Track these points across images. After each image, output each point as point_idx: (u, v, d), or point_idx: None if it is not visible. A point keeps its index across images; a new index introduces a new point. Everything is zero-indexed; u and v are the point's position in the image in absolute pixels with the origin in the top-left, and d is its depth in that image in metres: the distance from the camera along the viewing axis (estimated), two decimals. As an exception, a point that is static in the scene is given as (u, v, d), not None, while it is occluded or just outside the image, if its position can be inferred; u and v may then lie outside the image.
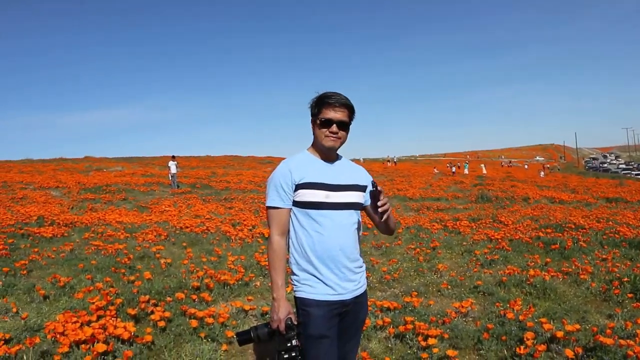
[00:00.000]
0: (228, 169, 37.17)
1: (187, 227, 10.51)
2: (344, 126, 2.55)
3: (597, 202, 20.56)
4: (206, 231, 10.21)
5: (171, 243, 9.07)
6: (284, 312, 2.44)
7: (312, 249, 2.50)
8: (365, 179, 2.71)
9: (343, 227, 2.54)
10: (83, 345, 3.92)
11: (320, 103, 2.55)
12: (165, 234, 9.64)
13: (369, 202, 2.67)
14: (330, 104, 2.52)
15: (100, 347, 3.81)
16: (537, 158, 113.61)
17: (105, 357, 3.82)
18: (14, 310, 5.04)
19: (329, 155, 2.63)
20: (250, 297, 5.57)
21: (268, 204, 2.54)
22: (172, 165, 22.49)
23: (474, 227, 11.91)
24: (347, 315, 2.58)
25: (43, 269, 6.84)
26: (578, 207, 17.89)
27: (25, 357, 3.80)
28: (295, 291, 2.55)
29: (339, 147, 2.60)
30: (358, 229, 2.66)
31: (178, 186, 22.34)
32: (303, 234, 2.52)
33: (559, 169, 71.66)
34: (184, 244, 8.87)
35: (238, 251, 8.37)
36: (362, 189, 2.66)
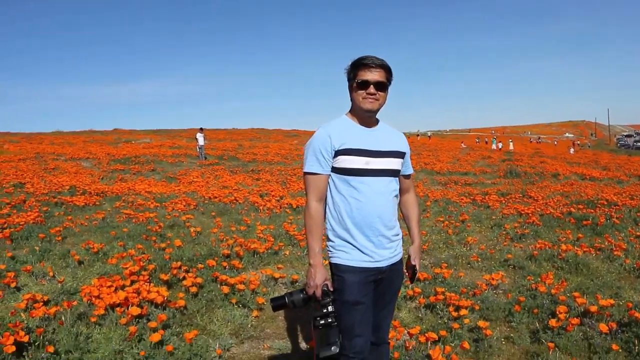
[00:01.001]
0: (255, 142, 37.29)
1: (215, 198, 10.61)
2: (382, 87, 2.47)
3: (630, 179, 20.05)
4: (234, 201, 10.29)
5: (200, 213, 9.17)
6: (320, 278, 2.41)
7: (349, 215, 2.46)
8: (404, 145, 2.67)
9: (382, 195, 2.50)
10: (118, 308, 4.01)
11: (356, 66, 2.48)
12: (194, 204, 9.76)
13: (406, 172, 2.70)
14: (366, 64, 2.44)
15: (135, 310, 3.88)
16: (567, 135, 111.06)
17: (140, 320, 3.89)
18: (51, 274, 5.17)
19: (369, 121, 2.56)
20: (280, 266, 5.62)
21: (306, 169, 2.49)
22: (200, 137, 22.66)
23: (503, 201, 11.75)
24: (383, 282, 2.56)
25: (77, 236, 6.99)
26: (610, 185, 17.48)
27: (63, 318, 3.90)
28: (330, 257, 2.53)
29: (378, 109, 2.52)
30: (396, 196, 2.62)
31: (205, 158, 22.53)
32: (341, 200, 2.48)
33: (589, 146, 69.93)
34: (213, 214, 8.97)
35: (266, 221, 8.43)
36: (401, 155, 2.62)
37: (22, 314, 4.00)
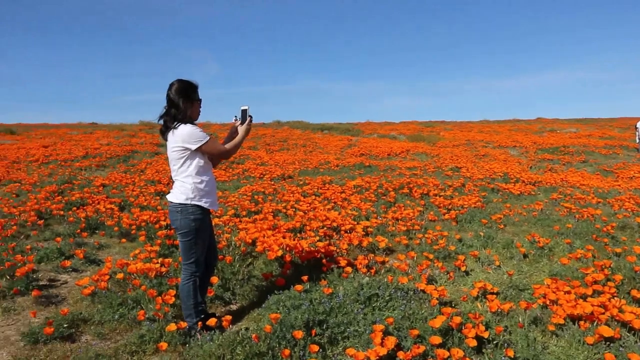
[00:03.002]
0: None
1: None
2: None
3: None
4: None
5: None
6: None
7: None
8: None
9: None
10: (581, 322, 3.40)
11: None
12: (646, 204, 8.21)
13: None
14: None
15: (605, 331, 3.19)
16: None
17: (611, 344, 3.18)
18: (497, 263, 4.96)
19: None
20: None
21: None
22: (642, 127, 19.63)
23: None
24: None
25: (516, 225, 6.69)
26: None
27: (521, 319, 3.54)
28: None
29: None
30: None
31: (648, 151, 19.38)
32: None
33: None
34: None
35: None
36: None
37: (478, 304, 3.84)
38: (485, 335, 3.16)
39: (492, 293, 4.08)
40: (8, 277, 4.51)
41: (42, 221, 6.46)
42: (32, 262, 4.75)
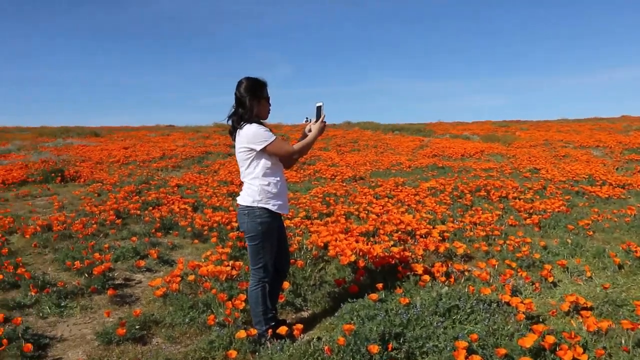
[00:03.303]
0: None
1: None
2: None
3: None
4: None
5: None
6: None
7: None
8: None
9: None
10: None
11: None
12: None
13: None
14: None
15: None
16: None
17: None
18: (588, 274, 4.55)
19: None
20: None
21: None
22: None
23: None
24: None
25: (606, 232, 6.17)
26: None
27: (616, 337, 3.17)
28: None
29: None
30: None
31: None
32: None
33: None
34: None
35: None
36: None
37: (572, 322, 3.50)
38: (584, 358, 2.83)
39: (585, 308, 3.71)
40: (86, 275, 4.62)
41: (120, 220, 6.64)
42: (109, 261, 4.85)
